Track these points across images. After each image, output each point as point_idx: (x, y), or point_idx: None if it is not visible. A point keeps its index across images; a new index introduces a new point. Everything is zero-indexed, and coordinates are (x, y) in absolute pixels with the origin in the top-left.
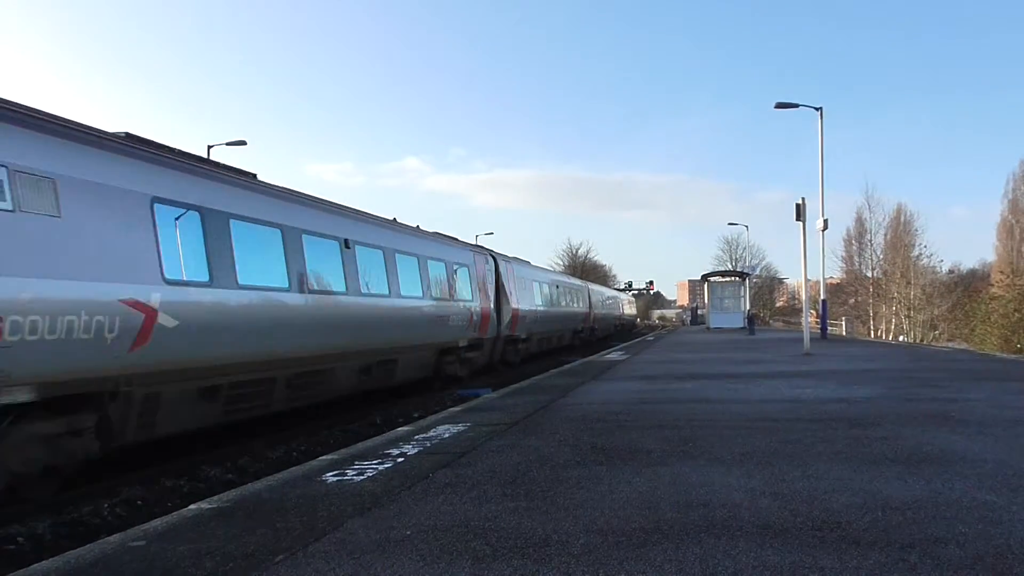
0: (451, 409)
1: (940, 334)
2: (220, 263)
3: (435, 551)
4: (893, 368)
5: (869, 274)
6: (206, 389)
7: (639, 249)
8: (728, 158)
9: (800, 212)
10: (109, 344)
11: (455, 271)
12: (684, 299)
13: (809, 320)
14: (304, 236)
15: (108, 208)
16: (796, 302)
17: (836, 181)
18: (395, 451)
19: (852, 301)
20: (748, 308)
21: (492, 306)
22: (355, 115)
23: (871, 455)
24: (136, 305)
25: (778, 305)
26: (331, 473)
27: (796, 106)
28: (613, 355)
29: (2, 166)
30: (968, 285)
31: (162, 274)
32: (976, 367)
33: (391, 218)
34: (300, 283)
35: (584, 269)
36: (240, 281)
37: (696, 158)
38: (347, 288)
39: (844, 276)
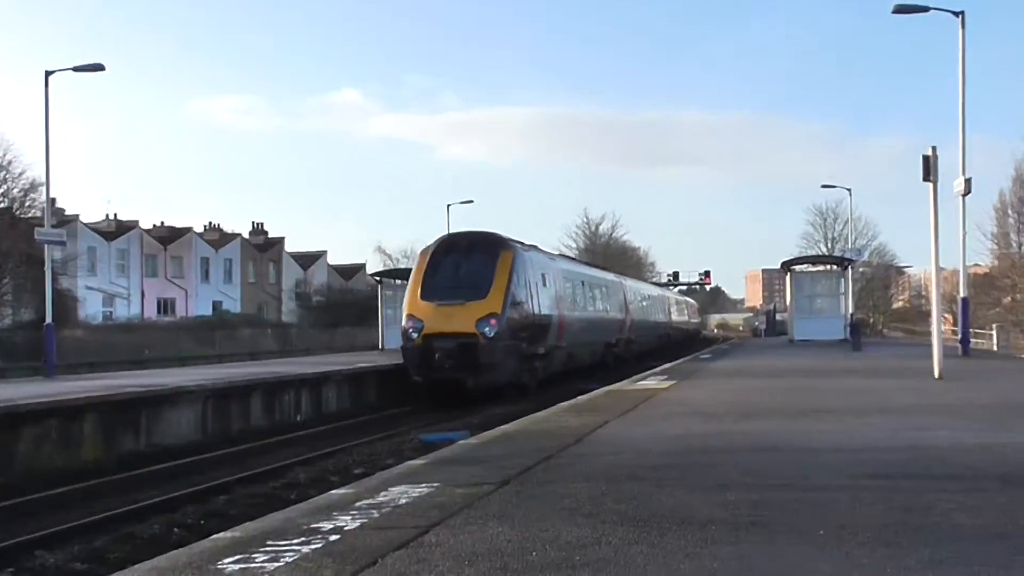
0: (410, 462)
1: None
2: (585, 303)
3: None
4: None
5: None
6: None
7: (688, 224)
8: (820, 88)
9: (930, 168)
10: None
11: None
12: (755, 298)
13: (942, 328)
14: (617, 285)
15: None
16: (923, 302)
17: (983, 121)
18: (327, 524)
19: (1008, 300)
20: (851, 311)
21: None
22: (266, 26)
23: None
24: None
25: (896, 306)
26: (231, 559)
27: (926, 9)
28: (651, 381)
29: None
30: None
31: (561, 308)
32: None
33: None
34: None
35: (609, 254)
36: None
37: (771, 88)
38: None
39: (996, 263)
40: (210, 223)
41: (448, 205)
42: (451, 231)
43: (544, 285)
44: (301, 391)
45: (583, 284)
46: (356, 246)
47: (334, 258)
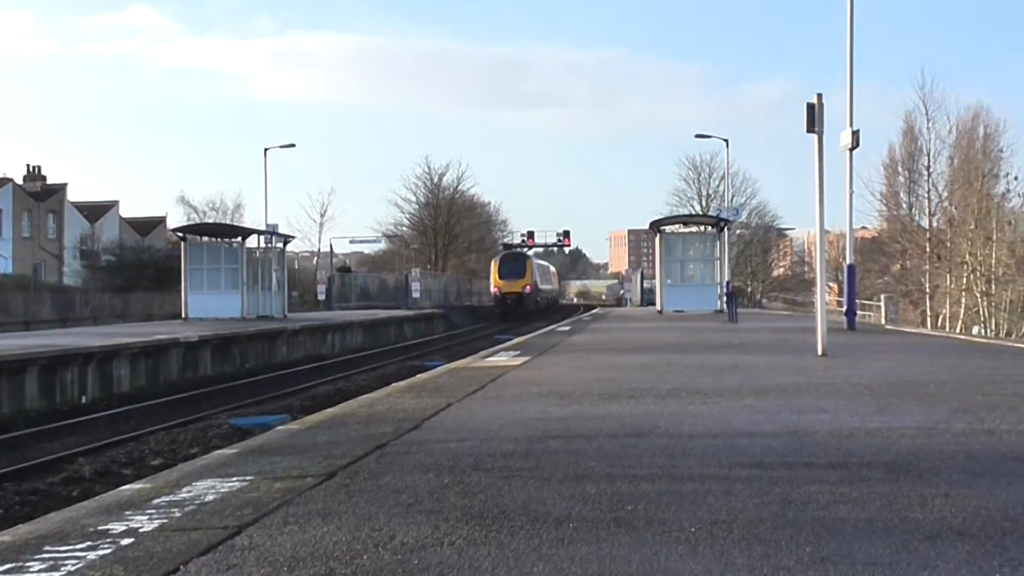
0: (219, 452)
1: None
2: (544, 279)
3: None
4: (962, 380)
5: (925, 223)
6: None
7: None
8: (695, 25)
9: (815, 117)
10: (557, 290)
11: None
12: (620, 262)
13: (827, 299)
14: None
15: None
16: (806, 269)
17: (873, 70)
18: (118, 525)
19: (897, 267)
20: (727, 279)
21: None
22: None
23: (926, 525)
24: (534, 288)
25: (776, 273)
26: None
27: None
28: (501, 357)
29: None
30: None
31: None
32: None
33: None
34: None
35: (454, 210)
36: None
37: (642, 23)
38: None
39: (885, 226)
40: None
41: (266, 149)
42: (265, 176)
43: (538, 273)
44: (87, 368)
45: (538, 267)
46: (154, 196)
47: (128, 210)
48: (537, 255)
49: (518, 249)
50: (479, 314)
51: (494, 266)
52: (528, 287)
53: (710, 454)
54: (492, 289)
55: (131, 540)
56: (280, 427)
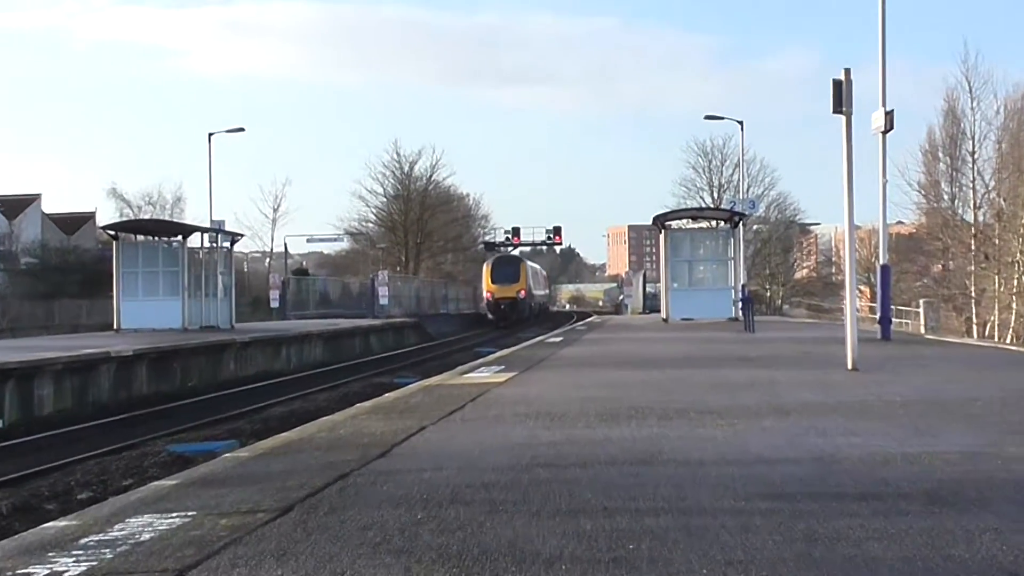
0: (157, 483)
1: None
2: (537, 283)
3: None
4: (1013, 397)
5: (970, 217)
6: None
7: (534, 165)
8: None
9: (842, 95)
10: (547, 296)
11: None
12: (620, 263)
13: (857, 305)
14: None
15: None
16: (833, 270)
17: (909, 43)
18: (40, 569)
19: (938, 268)
20: (742, 281)
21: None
22: None
23: (973, 564)
24: (528, 293)
25: (799, 275)
26: None
27: None
28: (483, 373)
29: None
30: None
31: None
32: None
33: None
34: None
35: (428, 203)
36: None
37: None
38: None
39: (923, 221)
40: None
41: (210, 134)
42: (210, 166)
43: (532, 277)
44: (3, 388)
45: (532, 270)
46: (82, 189)
47: (51, 205)
48: (524, 255)
49: (506, 249)
50: (457, 323)
51: (486, 270)
52: (523, 292)
53: (724, 484)
54: (484, 295)
55: None
56: (228, 455)
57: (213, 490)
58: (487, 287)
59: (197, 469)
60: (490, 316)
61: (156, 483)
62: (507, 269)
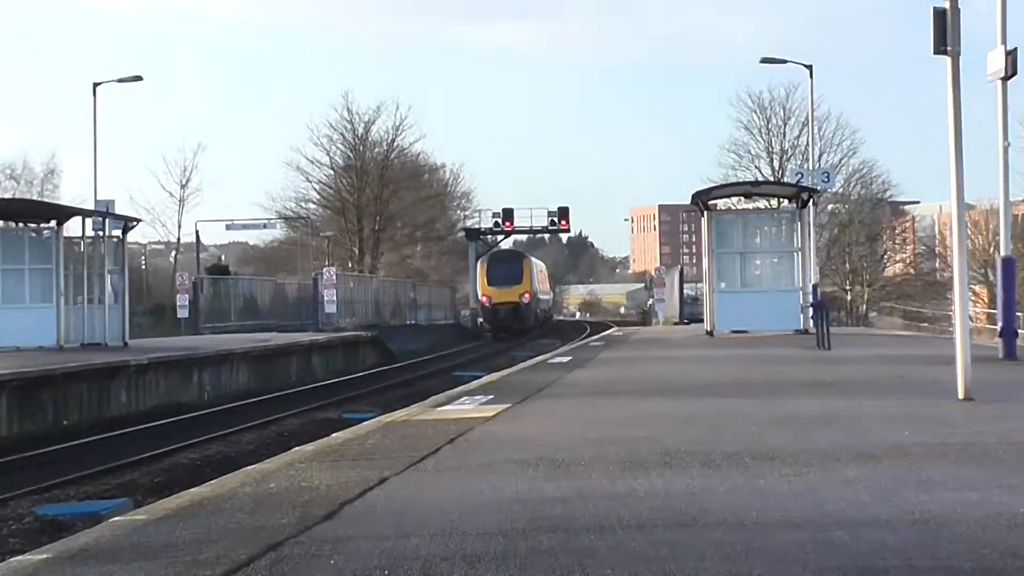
0: (20, 559)
1: None
2: (542, 285)
3: None
4: None
5: None
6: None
7: (533, 129)
8: None
9: (946, 29)
10: (551, 301)
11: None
12: (647, 256)
13: (970, 313)
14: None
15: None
16: (938, 265)
17: None
18: None
19: None
20: (814, 280)
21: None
22: None
23: None
24: (532, 296)
25: (891, 272)
26: None
27: None
28: (465, 405)
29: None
30: None
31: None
32: None
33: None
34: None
35: (391, 176)
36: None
37: None
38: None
39: None
40: None
41: (95, 85)
42: (95, 128)
43: (537, 276)
44: None
45: (537, 268)
46: None
47: None
48: (519, 246)
49: (495, 238)
50: (430, 337)
51: (481, 269)
52: (527, 295)
53: (791, 555)
54: (480, 299)
55: None
56: (117, 518)
57: (96, 567)
58: (482, 290)
59: (76, 539)
60: (486, 326)
61: (18, 558)
62: (507, 267)
